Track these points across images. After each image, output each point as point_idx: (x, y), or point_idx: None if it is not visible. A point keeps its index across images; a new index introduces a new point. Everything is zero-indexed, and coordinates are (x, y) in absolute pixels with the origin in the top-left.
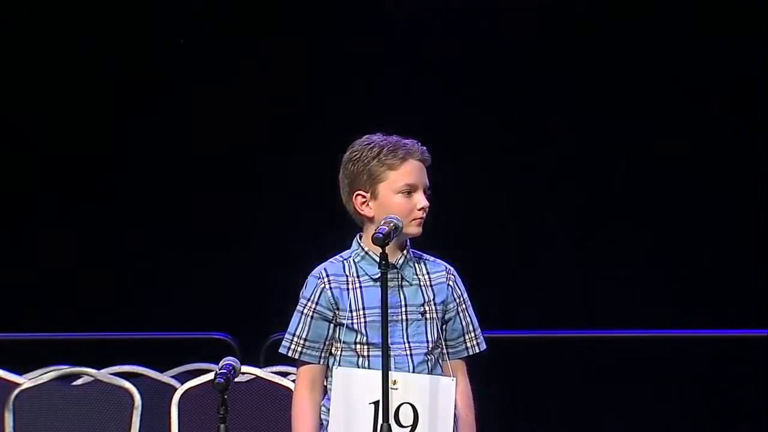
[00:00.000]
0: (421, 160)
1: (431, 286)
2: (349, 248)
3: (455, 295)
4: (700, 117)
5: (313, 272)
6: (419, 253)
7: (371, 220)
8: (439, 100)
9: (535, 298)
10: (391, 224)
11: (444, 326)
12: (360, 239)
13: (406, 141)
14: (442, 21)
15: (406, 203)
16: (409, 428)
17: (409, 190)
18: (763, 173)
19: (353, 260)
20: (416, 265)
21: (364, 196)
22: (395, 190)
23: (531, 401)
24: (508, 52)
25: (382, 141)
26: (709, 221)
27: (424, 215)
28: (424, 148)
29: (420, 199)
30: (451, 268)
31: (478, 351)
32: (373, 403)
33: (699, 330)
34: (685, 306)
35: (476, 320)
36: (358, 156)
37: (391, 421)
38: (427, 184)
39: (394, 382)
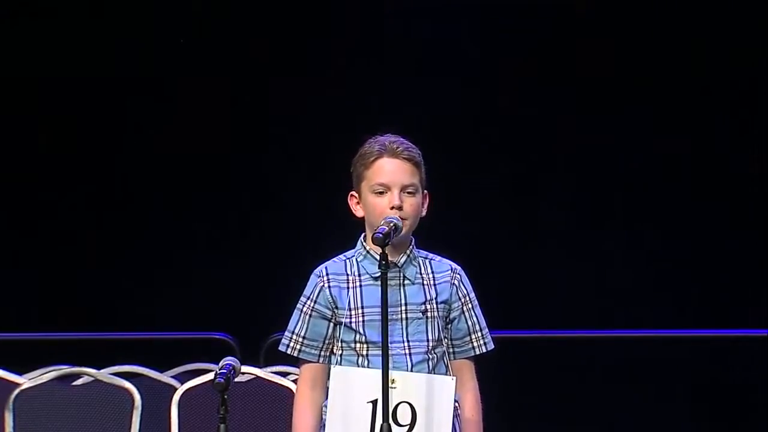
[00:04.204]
0: (404, 158)
1: (435, 285)
2: (354, 247)
3: (460, 295)
4: (703, 117)
5: (315, 270)
6: (426, 252)
7: (364, 220)
8: (439, 101)
9: (535, 298)
10: (391, 224)
11: (449, 325)
12: (364, 238)
13: (389, 138)
14: (441, 20)
15: (378, 203)
16: (407, 427)
17: (382, 190)
18: (764, 173)
19: (356, 259)
20: (421, 264)
21: (356, 197)
22: (370, 189)
23: (532, 401)
24: (510, 52)
25: (370, 141)
26: (709, 221)
27: (399, 213)
28: (408, 144)
29: (392, 199)
30: (458, 268)
31: (485, 351)
32: (371, 402)
33: (699, 330)
34: (685, 306)
35: (483, 320)
36: (355, 158)
37: (389, 420)
38: (407, 182)
39: (393, 381)
